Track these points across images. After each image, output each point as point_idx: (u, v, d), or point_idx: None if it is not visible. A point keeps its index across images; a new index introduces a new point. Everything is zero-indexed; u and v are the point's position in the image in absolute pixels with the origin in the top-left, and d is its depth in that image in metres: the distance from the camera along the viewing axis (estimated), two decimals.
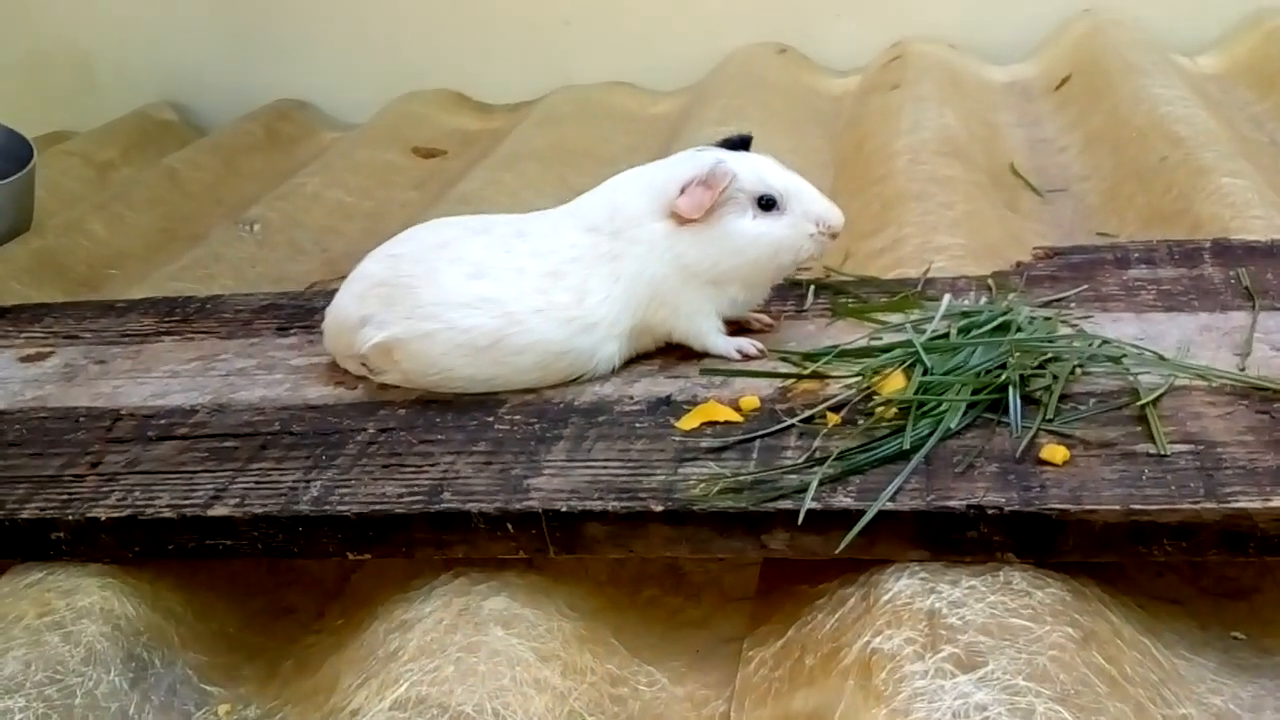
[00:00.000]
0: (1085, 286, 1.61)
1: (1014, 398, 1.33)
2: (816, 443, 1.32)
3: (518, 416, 1.47)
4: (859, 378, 1.43)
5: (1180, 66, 2.71)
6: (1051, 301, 1.58)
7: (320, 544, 1.34)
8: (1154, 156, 2.15)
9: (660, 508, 1.25)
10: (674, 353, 1.57)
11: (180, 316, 1.93)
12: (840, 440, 1.32)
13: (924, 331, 1.47)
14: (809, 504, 1.21)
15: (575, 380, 1.52)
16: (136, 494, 1.42)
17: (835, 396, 1.40)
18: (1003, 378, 1.35)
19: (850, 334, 1.56)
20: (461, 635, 1.23)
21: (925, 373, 1.38)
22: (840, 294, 1.69)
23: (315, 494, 1.37)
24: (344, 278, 2.16)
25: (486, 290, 1.49)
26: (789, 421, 1.37)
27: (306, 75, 3.51)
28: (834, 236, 1.53)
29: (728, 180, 1.48)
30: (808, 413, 1.38)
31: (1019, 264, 1.71)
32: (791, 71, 3.05)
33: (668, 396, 1.46)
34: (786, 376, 1.46)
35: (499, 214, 1.67)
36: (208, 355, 1.77)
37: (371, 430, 1.49)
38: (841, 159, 2.53)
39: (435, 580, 1.33)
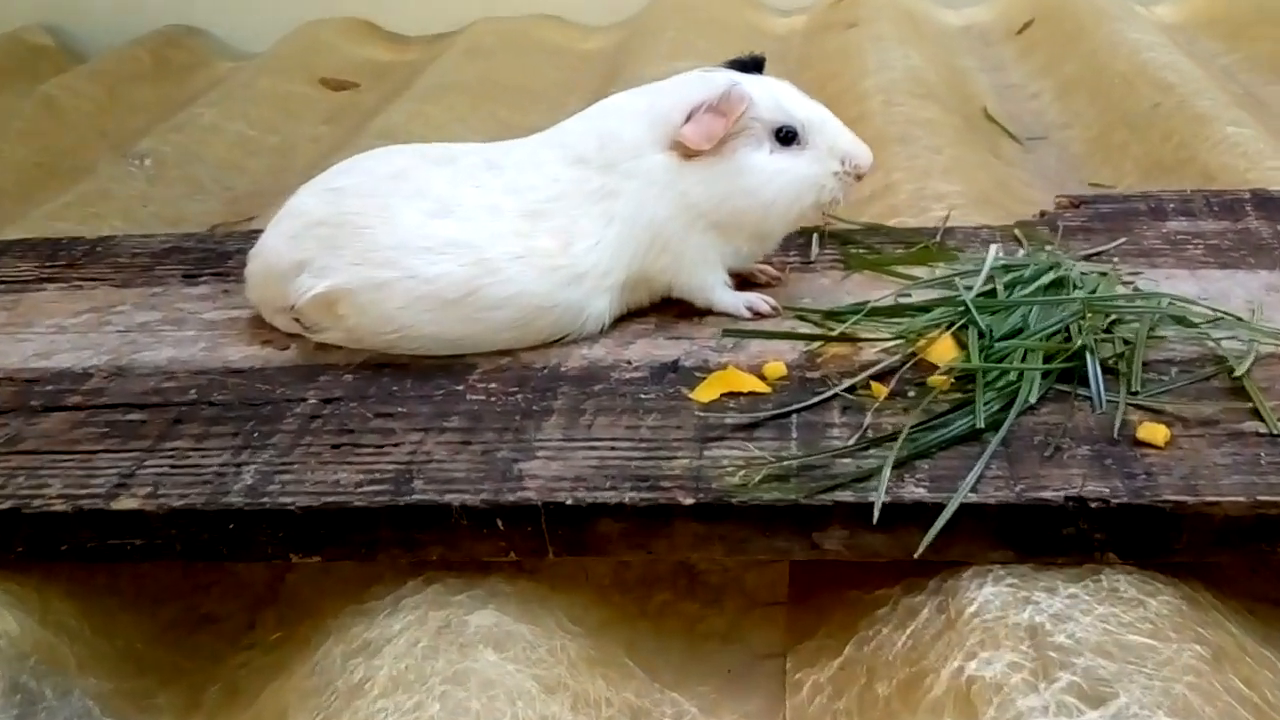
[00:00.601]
0: (1124, 239, 1.38)
1: (1093, 366, 1.10)
2: (868, 419, 1.07)
3: (493, 384, 1.19)
4: (899, 341, 1.18)
5: (1141, 16, 2.51)
6: (1091, 255, 1.35)
7: (257, 545, 1.05)
8: (1144, 103, 1.95)
9: (690, 500, 0.99)
10: (669, 309, 1.30)
11: (65, 261, 1.59)
12: (893, 416, 1.07)
13: (967, 288, 1.23)
14: (883, 496, 0.96)
15: (558, 341, 1.24)
16: (19, 480, 1.10)
17: (875, 364, 1.15)
18: (1077, 343, 1.12)
19: (871, 290, 1.31)
20: (444, 661, 0.95)
21: (982, 336, 1.14)
22: (848, 243, 1.43)
23: (249, 482, 1.07)
24: (251, 219, 1.83)
25: (454, 231, 1.20)
26: (828, 391, 1.11)
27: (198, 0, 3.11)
28: (859, 178, 1.28)
29: (743, 106, 1.21)
30: (847, 382, 1.13)
31: (1043, 213, 1.48)
32: (734, 8, 2.78)
33: (674, 361, 1.20)
34: (816, 339, 1.20)
35: (459, 142, 1.37)
36: (101, 307, 1.44)
37: (313, 401, 1.19)
38: None
39: (401, 588, 1.05)
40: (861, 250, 1.41)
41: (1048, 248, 1.35)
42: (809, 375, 1.15)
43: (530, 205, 1.23)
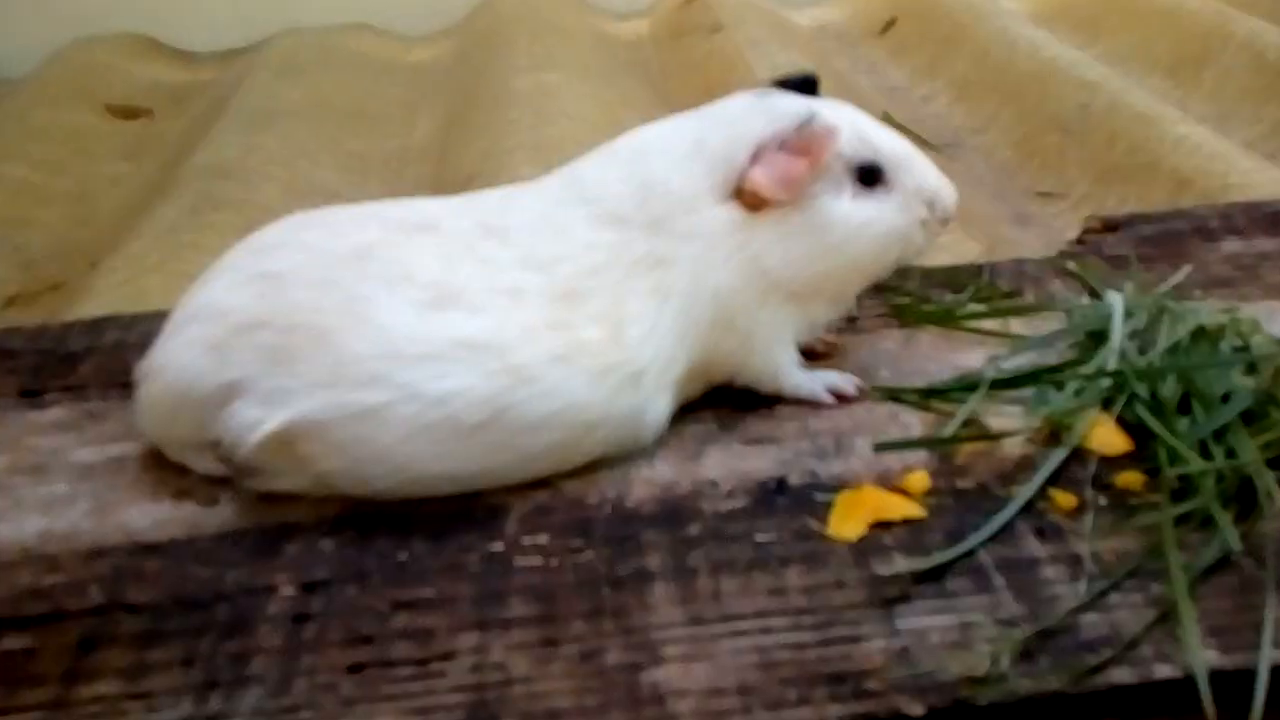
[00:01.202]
0: (1190, 267, 1.14)
1: None
2: (1083, 549, 0.77)
3: (543, 537, 0.82)
4: (1039, 426, 0.89)
5: (1013, 11, 2.33)
6: (1162, 286, 1.10)
7: None
8: (1068, 104, 1.75)
9: (921, 708, 0.67)
10: (723, 397, 0.95)
11: None
12: (1105, 539, 0.78)
13: (1085, 339, 0.95)
14: (1203, 671, 0.66)
15: (604, 459, 0.88)
16: None
17: (1032, 461, 0.86)
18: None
19: (952, 352, 1.01)
20: None
21: (1158, 414, 0.86)
22: (884, 290, 1.13)
23: None
24: (57, 286, 1.39)
25: (466, 327, 0.82)
26: (1008, 511, 0.81)
27: None
28: (945, 223, 0.98)
29: (832, 143, 0.89)
30: (1021, 493, 0.82)
31: (1080, 240, 1.23)
32: (575, 14, 2.43)
33: (778, 481, 0.86)
34: (969, 439, 0.88)
35: (417, 198, 0.97)
36: None
37: (288, 590, 0.78)
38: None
39: None
40: (906, 299, 1.11)
41: (1127, 286, 1.09)
42: (960, 485, 0.85)
43: (562, 283, 0.86)
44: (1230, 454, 0.82)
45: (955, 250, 1.36)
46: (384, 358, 0.81)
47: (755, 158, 0.89)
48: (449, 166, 1.76)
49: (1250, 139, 1.71)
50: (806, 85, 0.98)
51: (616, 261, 0.87)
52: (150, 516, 0.87)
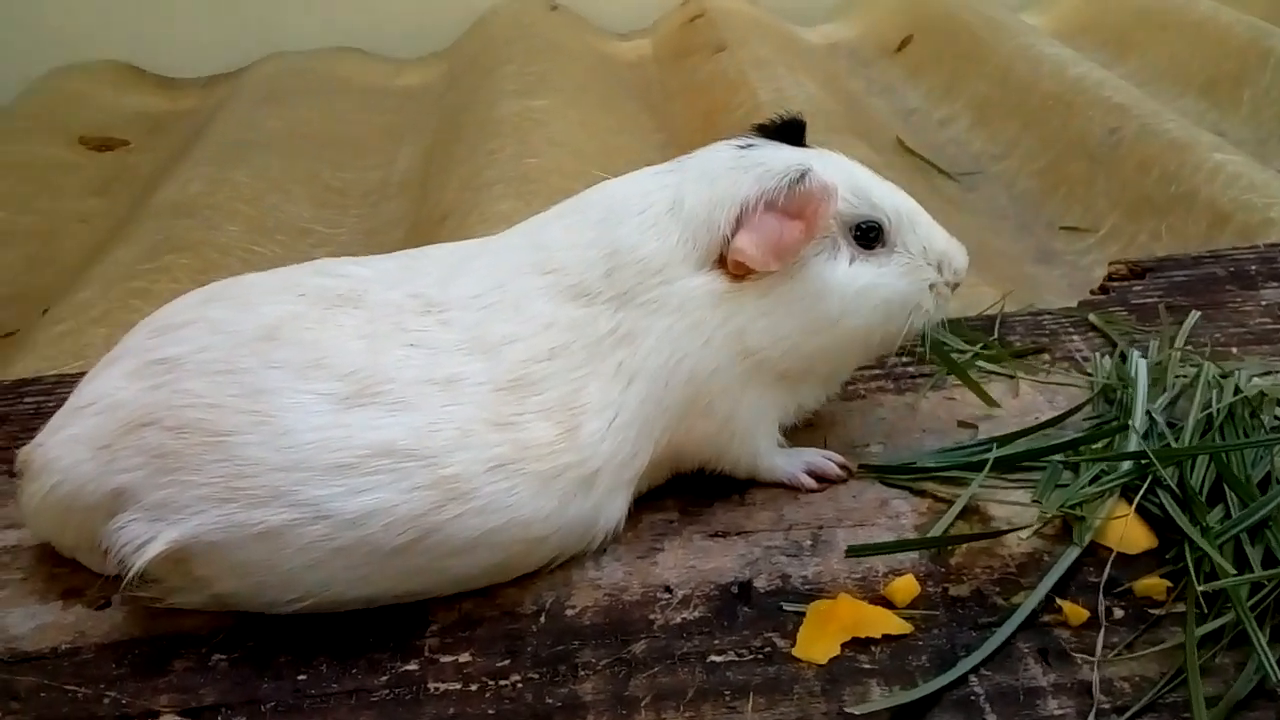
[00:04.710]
0: (1229, 324, 1.03)
1: None
2: (1092, 677, 0.66)
3: (465, 655, 0.72)
4: (1048, 514, 0.78)
5: (1037, 28, 2.22)
6: (1181, 338, 0.99)
7: None
8: (1096, 128, 1.64)
9: None
10: (688, 475, 0.86)
11: None
12: (1119, 662, 0.68)
13: (1105, 412, 0.85)
14: None
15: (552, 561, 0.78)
16: None
17: (1037, 561, 0.75)
18: None
19: (954, 420, 0.91)
20: None
21: (1185, 507, 0.75)
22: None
23: None
24: (10, 334, 1.34)
25: (389, 430, 0.72)
26: (1005, 629, 0.70)
27: None
28: (955, 288, 0.87)
29: (829, 204, 0.78)
30: (1024, 604, 0.72)
31: (1104, 288, 1.12)
32: (573, 33, 2.34)
33: (742, 585, 0.76)
34: (957, 541, 0.78)
35: (346, 257, 0.87)
36: None
37: (171, 718, 0.69)
38: (686, 138, 1.86)
39: None
40: (906, 358, 1.00)
41: (1153, 344, 0.98)
42: (954, 591, 0.74)
43: (510, 371, 0.75)
44: (1270, 558, 0.71)
45: (968, 296, 1.25)
46: (287, 469, 0.70)
47: (740, 221, 0.78)
48: (427, 202, 1.68)
49: None
50: (793, 131, 0.88)
51: (577, 342, 0.77)
52: (34, 620, 0.78)
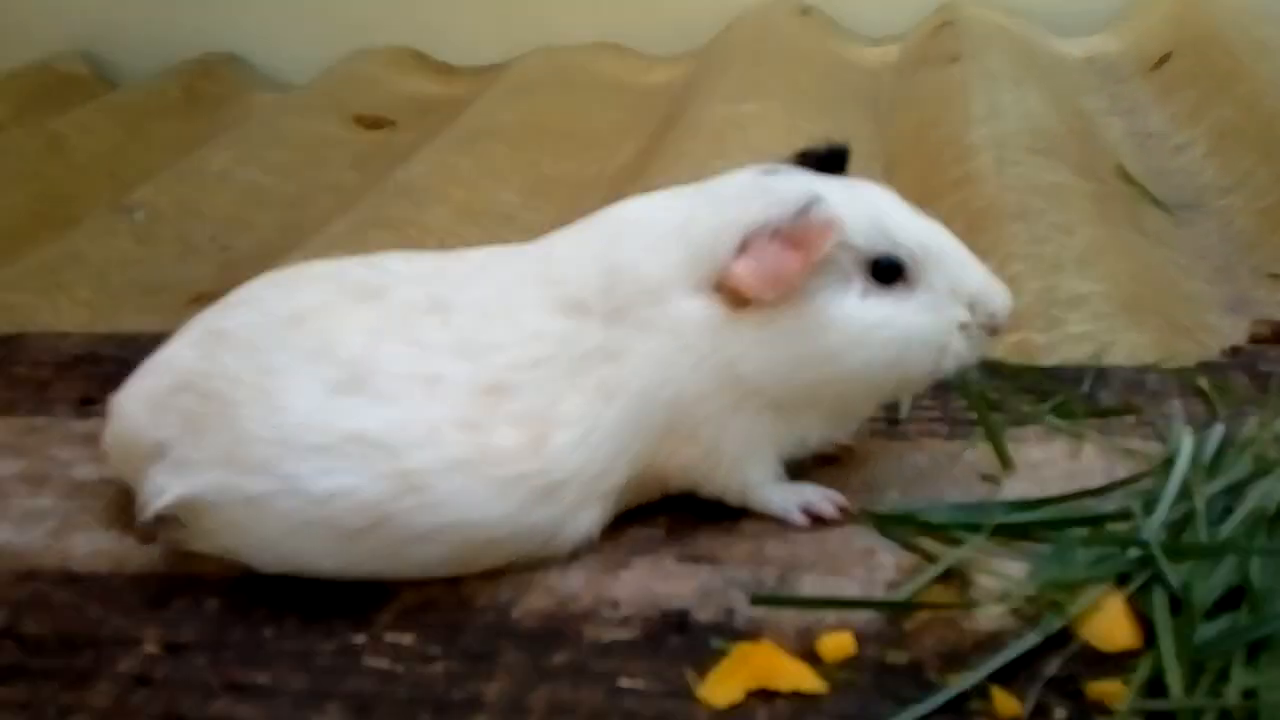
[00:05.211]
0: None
1: None
2: None
3: (408, 637, 0.74)
4: (1044, 595, 0.70)
5: None
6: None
7: None
8: None
9: None
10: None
11: None
12: None
13: (1149, 511, 0.75)
14: None
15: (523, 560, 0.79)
16: None
17: (999, 644, 0.68)
18: None
19: (998, 477, 0.83)
20: None
21: (1178, 610, 0.66)
22: (958, 389, 0.95)
23: None
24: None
25: (363, 420, 0.75)
26: (921, 708, 0.64)
27: (243, 25, 2.70)
28: (995, 331, 0.80)
29: (831, 236, 0.75)
30: (956, 685, 0.66)
31: (1235, 349, 0.99)
32: (817, 37, 2.29)
33: (683, 614, 0.74)
34: (900, 607, 0.72)
35: (411, 252, 0.92)
36: None
37: (150, 648, 0.76)
38: (895, 152, 1.79)
39: None
40: (966, 407, 0.93)
41: (1252, 423, 0.85)
42: (891, 658, 0.69)
43: (491, 375, 0.77)
44: (1249, 693, 0.61)
45: (1100, 342, 1.13)
46: (276, 443, 0.75)
47: (743, 247, 0.76)
48: (616, 199, 1.70)
49: None
50: (834, 159, 0.83)
51: (562, 354, 0.77)
52: (93, 545, 0.87)
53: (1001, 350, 1.10)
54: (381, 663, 0.72)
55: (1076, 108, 1.85)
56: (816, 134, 1.89)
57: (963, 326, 0.78)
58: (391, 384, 0.76)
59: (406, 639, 0.74)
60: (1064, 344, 1.09)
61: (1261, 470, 0.76)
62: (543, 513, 0.76)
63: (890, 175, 1.71)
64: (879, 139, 1.89)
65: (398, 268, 0.86)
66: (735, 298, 0.76)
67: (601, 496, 0.78)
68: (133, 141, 2.31)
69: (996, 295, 0.79)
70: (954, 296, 0.78)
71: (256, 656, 0.74)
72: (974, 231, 1.38)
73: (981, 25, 2.15)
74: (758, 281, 0.74)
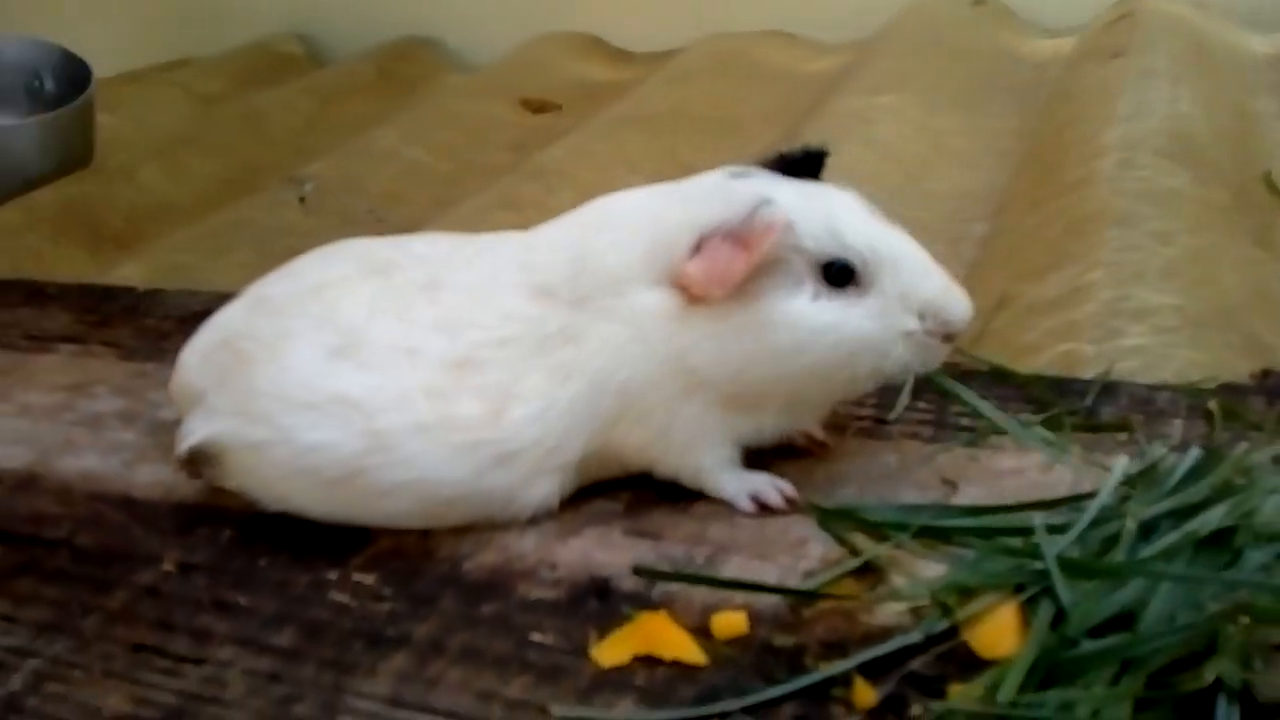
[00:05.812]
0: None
1: (1225, 712, 0.61)
2: None
3: (370, 578, 0.84)
4: (935, 597, 0.73)
5: None
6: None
7: None
8: None
9: None
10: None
11: (99, 317, 1.38)
12: None
13: (1067, 525, 0.75)
14: None
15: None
16: None
17: (887, 638, 0.71)
18: (1210, 671, 0.63)
19: (969, 484, 0.85)
20: None
21: (1058, 620, 0.67)
22: (954, 396, 0.96)
23: (15, 688, 0.79)
24: None
25: (348, 383, 0.85)
26: (784, 688, 0.69)
27: (443, 8, 2.89)
28: (950, 338, 0.82)
29: (773, 235, 0.79)
30: (826, 670, 0.69)
31: (1266, 372, 0.95)
32: (986, 28, 2.25)
33: (605, 581, 0.80)
34: (803, 594, 0.76)
35: (439, 235, 1.01)
36: (82, 384, 1.21)
37: (166, 566, 0.89)
38: (1031, 151, 1.75)
39: None
40: (966, 410, 0.94)
41: (1241, 448, 0.83)
42: (778, 641, 0.73)
43: (462, 351, 0.85)
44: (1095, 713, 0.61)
45: (1154, 357, 1.10)
46: (278, 398, 0.86)
47: (698, 246, 0.81)
48: None
49: None
50: (809, 162, 0.87)
51: (529, 336, 0.85)
52: (154, 476, 1.02)
53: (1045, 360, 1.10)
54: (343, 597, 0.82)
55: (1240, 109, 1.75)
56: (955, 126, 1.88)
57: (908, 334, 0.81)
58: (378, 353, 0.86)
59: (369, 579, 0.84)
60: (1115, 357, 1.07)
61: (1216, 497, 0.75)
62: (498, 478, 0.84)
63: (1013, 176, 1.68)
64: (1019, 136, 1.85)
65: (418, 249, 0.96)
66: (690, 294, 0.81)
67: (558, 469, 0.85)
68: (323, 118, 2.53)
69: (953, 302, 0.81)
70: (904, 302, 0.81)
71: (247, 581, 0.85)
72: (1069, 236, 1.36)
73: (1162, 18, 2.06)
74: (706, 279, 0.80)
